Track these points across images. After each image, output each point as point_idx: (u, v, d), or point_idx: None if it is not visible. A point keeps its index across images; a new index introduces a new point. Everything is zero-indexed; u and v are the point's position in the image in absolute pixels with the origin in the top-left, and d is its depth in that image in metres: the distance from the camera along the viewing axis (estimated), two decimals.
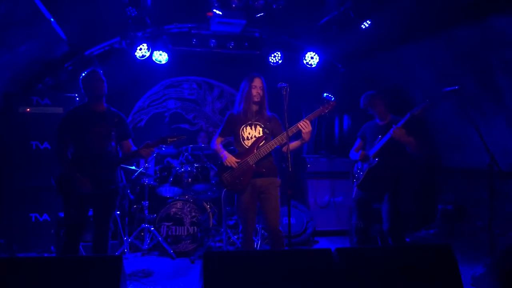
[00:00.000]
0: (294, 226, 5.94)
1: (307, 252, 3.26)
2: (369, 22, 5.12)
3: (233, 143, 4.09)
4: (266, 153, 3.84)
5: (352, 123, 7.51)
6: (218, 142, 4.10)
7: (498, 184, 5.51)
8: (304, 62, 6.35)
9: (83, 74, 3.81)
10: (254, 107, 3.99)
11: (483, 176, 5.81)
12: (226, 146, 4.16)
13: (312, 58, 6.33)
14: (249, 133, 3.96)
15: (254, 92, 3.94)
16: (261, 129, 3.96)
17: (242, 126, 3.98)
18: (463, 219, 6.23)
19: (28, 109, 5.35)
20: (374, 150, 4.36)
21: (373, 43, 5.65)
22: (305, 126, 3.77)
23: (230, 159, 3.89)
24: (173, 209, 5.36)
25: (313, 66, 6.37)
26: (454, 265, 2.76)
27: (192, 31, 6.26)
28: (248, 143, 3.94)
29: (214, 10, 5.23)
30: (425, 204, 6.89)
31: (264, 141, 3.92)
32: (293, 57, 6.49)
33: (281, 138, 3.81)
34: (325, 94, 6.71)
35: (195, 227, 5.33)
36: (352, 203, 4.63)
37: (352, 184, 4.66)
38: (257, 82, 3.96)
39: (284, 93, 3.70)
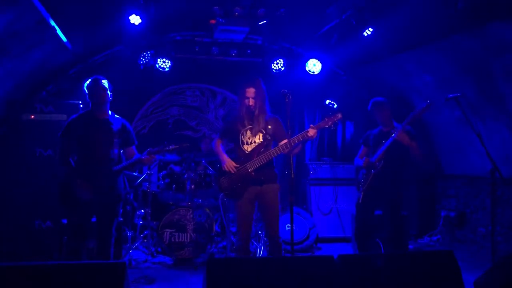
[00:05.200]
0: (297, 233, 5.93)
1: (310, 259, 3.27)
2: (371, 30, 5.13)
3: (233, 147, 4.09)
4: (266, 161, 3.80)
5: (355, 130, 7.52)
6: (218, 144, 4.12)
7: (500, 190, 5.52)
8: (307, 69, 6.33)
9: (87, 82, 3.85)
10: (251, 114, 3.96)
11: (485, 183, 5.85)
12: (229, 152, 4.16)
13: (314, 65, 6.32)
14: (249, 138, 3.94)
15: (246, 102, 3.92)
16: (261, 134, 3.93)
17: (242, 131, 3.96)
18: (465, 226, 6.22)
19: (32, 116, 5.37)
20: (378, 154, 4.37)
21: (374, 50, 5.67)
22: (310, 135, 3.74)
23: (230, 164, 3.87)
24: (176, 216, 5.36)
25: (316, 73, 6.35)
26: (456, 272, 2.76)
27: (195, 38, 6.32)
28: (248, 148, 3.92)
29: (217, 18, 5.27)
30: (427, 211, 6.88)
31: (264, 148, 3.89)
32: (296, 64, 6.51)
33: (282, 147, 3.77)
34: (327, 101, 6.79)
35: (197, 234, 5.33)
36: (355, 209, 4.63)
37: (358, 190, 4.65)
38: (250, 93, 3.91)
39: (287, 100, 3.71)
